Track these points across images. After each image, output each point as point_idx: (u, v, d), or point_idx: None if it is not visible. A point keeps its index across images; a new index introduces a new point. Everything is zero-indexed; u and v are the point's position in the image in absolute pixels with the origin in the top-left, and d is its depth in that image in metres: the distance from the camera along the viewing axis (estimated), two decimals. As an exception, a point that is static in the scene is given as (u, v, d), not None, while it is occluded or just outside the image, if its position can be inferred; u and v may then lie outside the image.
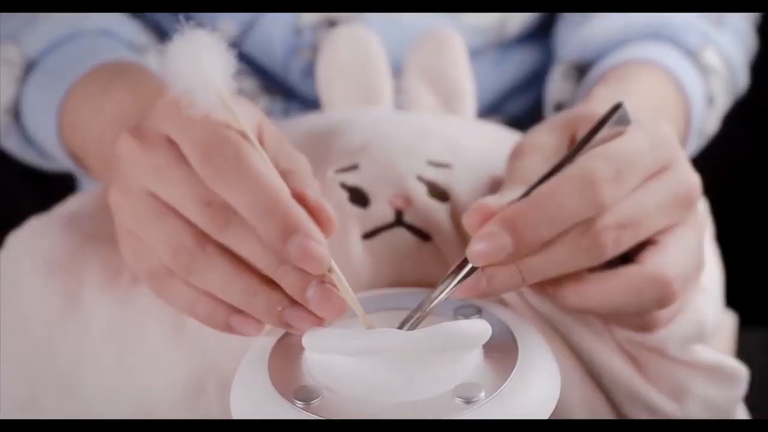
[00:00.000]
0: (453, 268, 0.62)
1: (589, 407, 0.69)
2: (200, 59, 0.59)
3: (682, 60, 0.89)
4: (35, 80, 0.86)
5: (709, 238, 0.79)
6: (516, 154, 0.67)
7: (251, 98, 0.97)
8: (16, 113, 0.88)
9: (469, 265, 0.62)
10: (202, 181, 0.61)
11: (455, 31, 0.86)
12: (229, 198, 0.60)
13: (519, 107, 1.02)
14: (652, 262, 0.63)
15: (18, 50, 0.86)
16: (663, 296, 0.63)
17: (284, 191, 0.61)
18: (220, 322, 0.63)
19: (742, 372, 0.70)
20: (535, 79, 1.01)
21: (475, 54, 0.94)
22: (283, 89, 0.98)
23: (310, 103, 0.96)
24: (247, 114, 0.64)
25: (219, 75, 0.60)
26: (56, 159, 0.90)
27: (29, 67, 0.86)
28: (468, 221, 0.62)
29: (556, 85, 0.94)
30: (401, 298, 0.64)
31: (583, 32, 0.93)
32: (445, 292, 0.62)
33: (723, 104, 0.94)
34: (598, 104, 0.68)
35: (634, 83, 0.84)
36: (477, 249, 0.61)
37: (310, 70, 0.95)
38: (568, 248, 0.61)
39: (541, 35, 1.00)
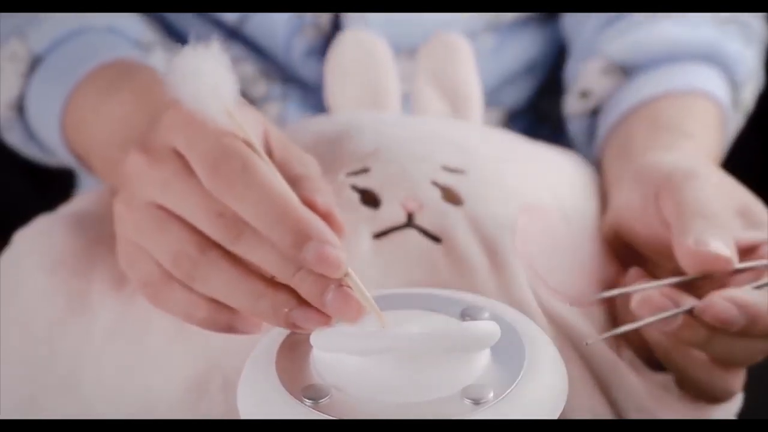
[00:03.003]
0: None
1: (592, 409, 0.69)
2: (205, 71, 0.59)
3: (726, 92, 0.90)
4: (40, 76, 0.86)
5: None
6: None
7: (250, 83, 0.96)
8: (20, 108, 0.88)
9: (688, 307, 0.65)
10: (211, 192, 0.61)
11: (458, 32, 0.86)
12: (239, 209, 0.60)
13: (514, 98, 1.02)
14: None
15: (24, 46, 0.86)
16: None
17: (294, 198, 0.60)
18: (221, 325, 0.63)
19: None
20: (531, 70, 1.01)
21: (471, 36, 0.93)
22: (283, 73, 0.98)
23: (309, 87, 0.96)
24: (253, 122, 0.64)
25: (224, 86, 0.60)
26: (58, 155, 0.89)
27: (35, 63, 0.86)
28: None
29: (589, 77, 0.93)
30: (413, 298, 0.64)
31: (634, 37, 0.92)
32: (660, 316, 0.65)
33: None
34: (670, 155, 0.72)
35: (696, 140, 0.84)
36: (721, 309, 0.64)
37: (311, 51, 0.95)
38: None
39: (537, 25, 1.00)
